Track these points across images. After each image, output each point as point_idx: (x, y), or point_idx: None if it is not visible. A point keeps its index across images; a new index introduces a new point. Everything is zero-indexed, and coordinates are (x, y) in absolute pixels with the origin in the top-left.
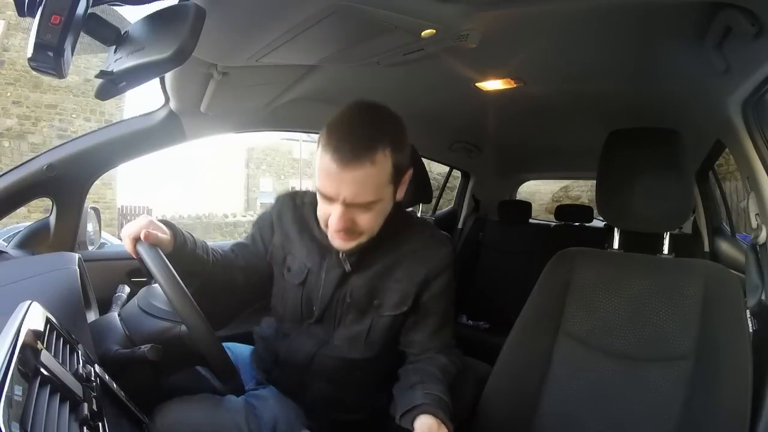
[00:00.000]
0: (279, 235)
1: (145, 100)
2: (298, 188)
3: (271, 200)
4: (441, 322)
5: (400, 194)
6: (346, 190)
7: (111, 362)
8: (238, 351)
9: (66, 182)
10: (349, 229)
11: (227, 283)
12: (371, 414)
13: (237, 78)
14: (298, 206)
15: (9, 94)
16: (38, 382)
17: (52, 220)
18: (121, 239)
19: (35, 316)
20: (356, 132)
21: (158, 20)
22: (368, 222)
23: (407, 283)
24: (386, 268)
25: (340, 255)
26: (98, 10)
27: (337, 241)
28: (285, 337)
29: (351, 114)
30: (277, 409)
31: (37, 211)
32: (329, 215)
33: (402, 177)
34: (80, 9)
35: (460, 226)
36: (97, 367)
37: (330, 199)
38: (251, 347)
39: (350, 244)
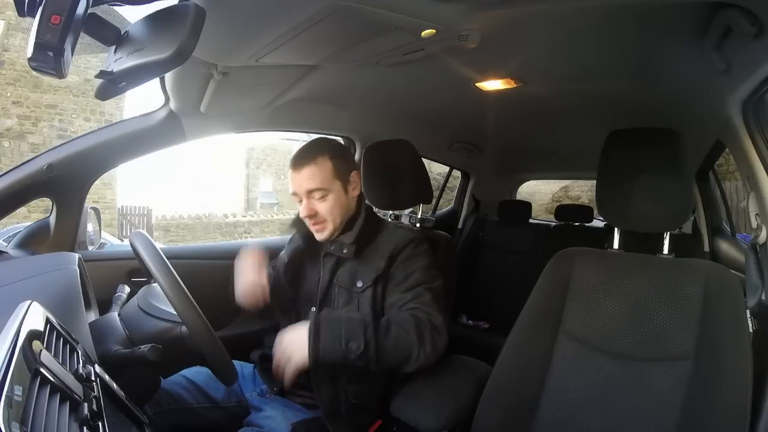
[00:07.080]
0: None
1: (145, 100)
2: None
3: (271, 200)
4: (413, 283)
5: (355, 191)
6: (301, 183)
7: (111, 362)
8: (239, 368)
9: (66, 182)
10: (314, 216)
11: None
12: (372, 394)
13: (237, 78)
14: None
15: (9, 94)
16: (38, 382)
17: (52, 220)
18: (122, 240)
19: (35, 316)
20: (304, 148)
21: (158, 20)
22: (325, 209)
23: (378, 261)
24: (363, 258)
25: (328, 253)
26: (98, 10)
27: (316, 233)
28: None
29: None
30: (287, 418)
31: (37, 211)
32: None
33: (346, 176)
34: (80, 9)
35: (460, 226)
36: (97, 367)
37: (297, 196)
38: (251, 365)
39: (324, 234)
